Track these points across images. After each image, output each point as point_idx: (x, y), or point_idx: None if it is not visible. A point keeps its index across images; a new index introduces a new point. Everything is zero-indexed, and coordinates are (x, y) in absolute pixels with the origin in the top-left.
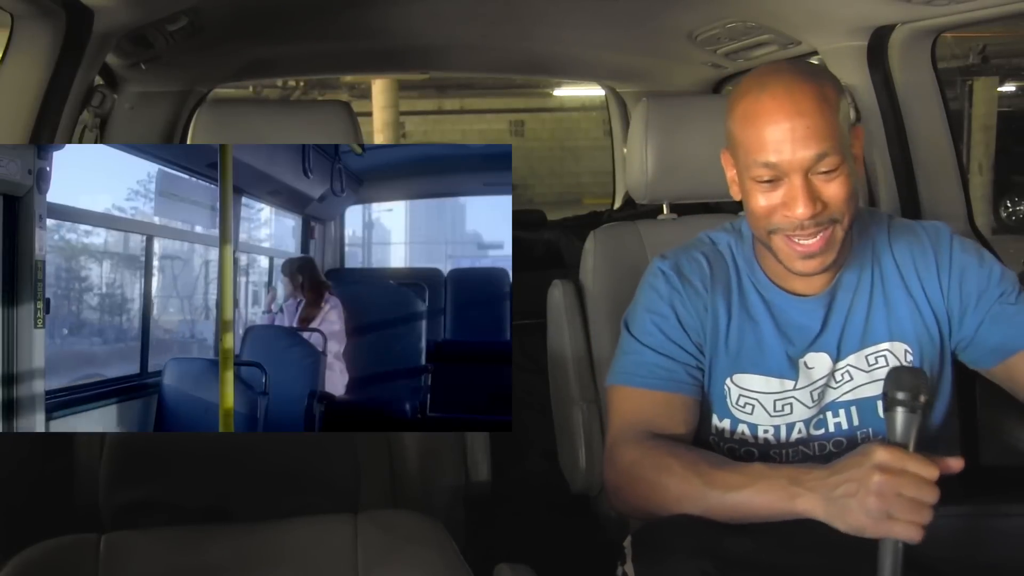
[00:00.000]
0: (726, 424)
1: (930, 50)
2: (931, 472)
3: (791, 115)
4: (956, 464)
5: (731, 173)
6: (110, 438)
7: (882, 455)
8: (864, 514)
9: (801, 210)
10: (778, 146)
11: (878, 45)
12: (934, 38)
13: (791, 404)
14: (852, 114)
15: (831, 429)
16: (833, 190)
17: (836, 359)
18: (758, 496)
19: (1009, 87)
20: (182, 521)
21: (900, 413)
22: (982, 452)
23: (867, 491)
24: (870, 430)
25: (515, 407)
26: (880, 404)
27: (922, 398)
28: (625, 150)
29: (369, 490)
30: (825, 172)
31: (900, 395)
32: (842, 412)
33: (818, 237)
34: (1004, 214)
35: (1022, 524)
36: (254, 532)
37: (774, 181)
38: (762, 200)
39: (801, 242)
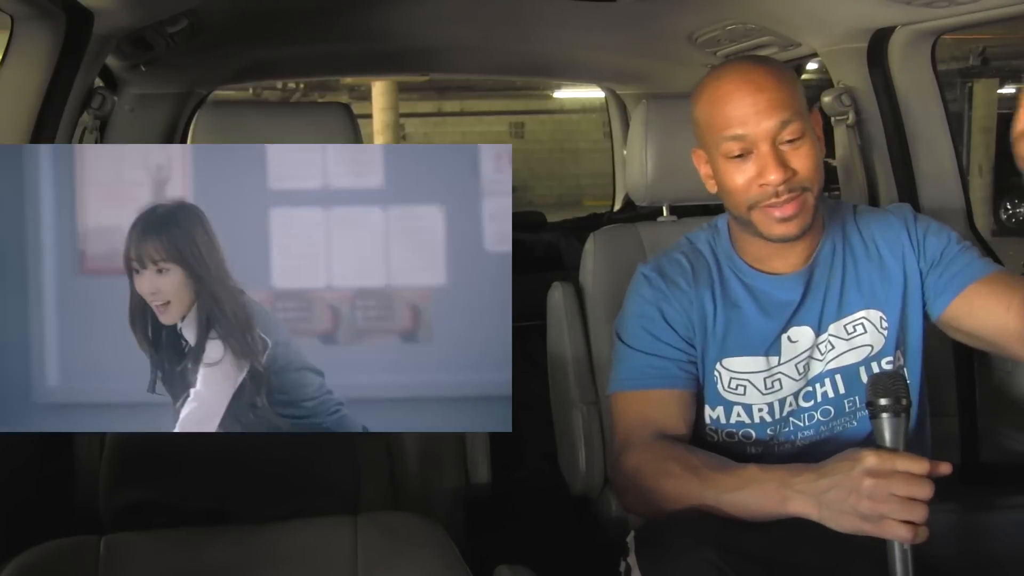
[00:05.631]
0: (719, 412)
1: (930, 52)
2: (921, 467)
3: (751, 92)
4: (945, 468)
5: (705, 169)
6: (110, 438)
7: (871, 459)
8: (858, 517)
9: (773, 176)
10: (744, 119)
11: (878, 47)
12: (934, 40)
13: (779, 380)
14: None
15: (819, 399)
16: (800, 158)
17: (818, 332)
18: (751, 499)
19: (1009, 89)
20: (182, 523)
21: (886, 419)
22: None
23: (859, 495)
24: (856, 398)
25: (515, 409)
26: (862, 370)
27: (904, 401)
28: (625, 152)
29: (369, 492)
30: (790, 141)
31: (883, 401)
32: (827, 381)
33: (792, 203)
34: (1004, 216)
35: (1016, 517)
36: (254, 534)
37: (744, 156)
38: (738, 177)
39: (777, 209)
